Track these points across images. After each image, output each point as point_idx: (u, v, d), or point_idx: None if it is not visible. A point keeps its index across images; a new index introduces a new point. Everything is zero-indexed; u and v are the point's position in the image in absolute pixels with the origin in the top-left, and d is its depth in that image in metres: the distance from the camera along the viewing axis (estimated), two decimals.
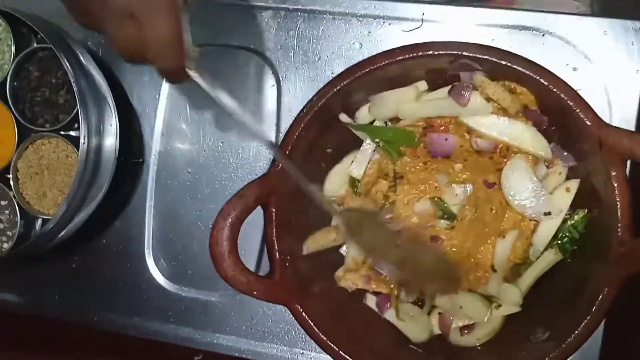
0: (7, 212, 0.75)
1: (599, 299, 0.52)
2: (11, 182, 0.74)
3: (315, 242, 0.65)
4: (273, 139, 0.75)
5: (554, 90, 0.54)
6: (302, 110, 0.62)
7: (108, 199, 0.74)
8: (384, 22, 0.71)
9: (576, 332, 0.53)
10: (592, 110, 0.54)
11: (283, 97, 0.74)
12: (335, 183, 0.67)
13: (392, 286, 0.65)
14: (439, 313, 0.64)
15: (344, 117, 0.66)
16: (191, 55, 0.51)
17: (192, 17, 0.73)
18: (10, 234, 0.75)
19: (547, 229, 0.61)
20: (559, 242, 0.61)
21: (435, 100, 0.64)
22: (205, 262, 0.63)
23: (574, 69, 0.66)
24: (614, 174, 0.52)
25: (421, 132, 0.64)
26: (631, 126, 0.64)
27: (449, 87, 0.63)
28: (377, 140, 0.65)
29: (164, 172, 0.78)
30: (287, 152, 0.61)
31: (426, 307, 0.65)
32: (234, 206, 0.58)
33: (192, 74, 0.52)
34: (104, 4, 0.46)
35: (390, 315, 0.65)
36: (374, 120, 0.66)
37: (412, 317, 0.64)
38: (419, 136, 0.64)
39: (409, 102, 0.64)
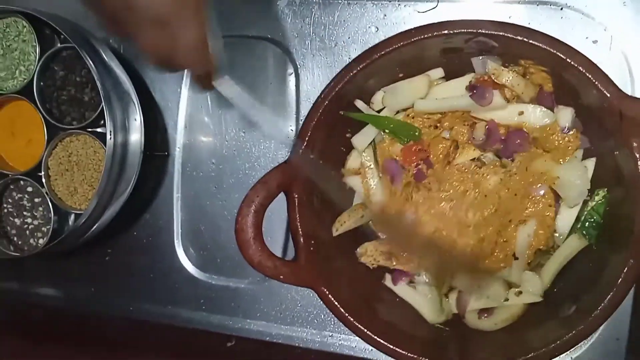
0: (40, 208, 0.78)
1: (624, 271, 0.52)
2: (43, 180, 0.76)
3: (343, 223, 0.66)
4: (293, 125, 0.76)
5: (572, 63, 0.54)
6: (319, 97, 0.63)
7: (136, 192, 0.76)
8: (399, 5, 0.71)
9: (602, 305, 0.53)
10: (612, 82, 0.53)
11: (301, 85, 0.75)
12: (356, 162, 0.68)
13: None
14: (459, 291, 0.64)
15: (359, 104, 0.66)
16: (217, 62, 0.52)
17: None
18: (45, 229, 0.78)
19: (568, 212, 0.61)
20: (583, 225, 0.61)
21: (449, 99, 0.64)
22: (233, 250, 0.64)
23: (594, 41, 0.65)
24: (635, 145, 0.52)
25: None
26: None
27: (465, 78, 0.63)
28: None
29: (189, 164, 0.80)
30: (307, 138, 0.62)
31: (443, 289, 0.65)
32: (257, 193, 0.60)
33: (219, 82, 0.54)
34: (133, 12, 0.46)
35: (404, 290, 0.66)
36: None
37: (428, 298, 0.64)
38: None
39: (421, 97, 0.64)
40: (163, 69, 0.51)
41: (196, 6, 0.47)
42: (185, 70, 0.78)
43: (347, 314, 0.60)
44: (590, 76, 0.53)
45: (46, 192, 0.76)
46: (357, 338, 0.61)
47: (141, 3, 0.45)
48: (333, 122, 0.64)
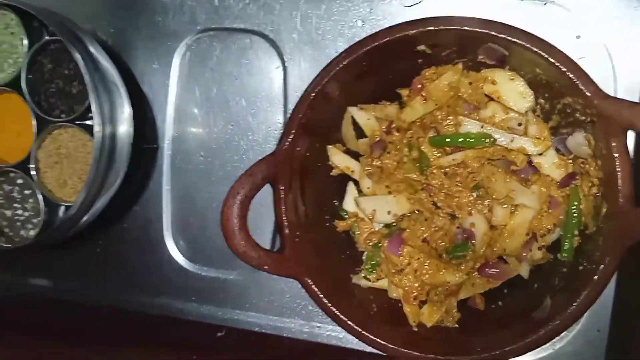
0: (31, 200, 0.79)
1: (600, 269, 0.53)
2: (33, 172, 0.76)
3: None
4: (281, 118, 0.76)
5: (553, 61, 0.54)
6: (306, 91, 0.63)
7: (126, 184, 0.77)
8: None
9: (577, 301, 0.53)
10: (592, 81, 0.53)
11: (289, 78, 0.75)
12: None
13: None
14: None
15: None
16: None
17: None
18: (36, 221, 0.78)
19: None
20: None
21: None
22: (222, 241, 0.65)
23: (578, 36, 0.65)
24: (614, 144, 0.52)
25: None
26: (636, 91, 0.64)
27: None
28: None
29: (178, 157, 0.81)
30: (293, 131, 0.63)
31: None
32: (243, 184, 0.61)
33: None
34: None
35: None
36: None
37: None
38: None
39: None
40: None
41: None
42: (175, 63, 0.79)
43: (330, 305, 0.61)
44: (571, 75, 0.53)
45: (36, 184, 0.76)
46: None
47: None
48: (320, 116, 0.65)
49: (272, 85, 0.76)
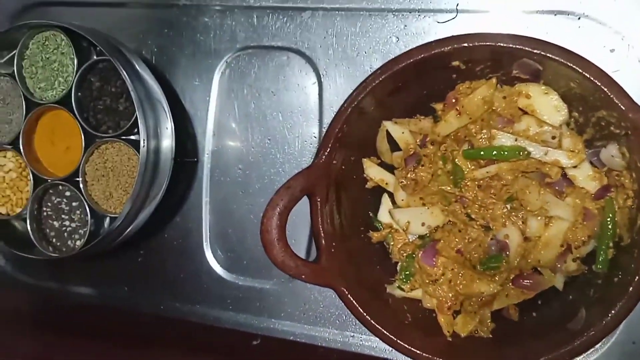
0: (78, 212, 0.82)
1: (635, 280, 0.53)
2: (80, 185, 0.80)
3: None
4: (317, 132, 0.79)
5: (588, 76, 0.55)
6: (342, 106, 0.65)
7: (167, 196, 0.80)
8: (419, 15, 0.73)
9: (612, 313, 0.54)
10: (627, 94, 0.54)
11: (324, 94, 0.78)
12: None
13: None
14: None
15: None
16: None
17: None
18: (82, 232, 0.82)
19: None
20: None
21: None
22: (259, 252, 0.67)
23: (612, 50, 0.66)
24: None
25: None
26: None
27: None
28: None
29: (217, 170, 0.83)
30: (330, 145, 0.65)
31: None
32: (281, 197, 0.62)
33: None
34: None
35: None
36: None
37: None
38: None
39: None
40: None
41: None
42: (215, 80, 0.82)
43: (365, 314, 0.62)
44: (606, 89, 0.54)
45: (83, 197, 0.80)
46: (377, 338, 0.63)
47: None
48: (355, 130, 0.66)
49: (308, 100, 0.79)
